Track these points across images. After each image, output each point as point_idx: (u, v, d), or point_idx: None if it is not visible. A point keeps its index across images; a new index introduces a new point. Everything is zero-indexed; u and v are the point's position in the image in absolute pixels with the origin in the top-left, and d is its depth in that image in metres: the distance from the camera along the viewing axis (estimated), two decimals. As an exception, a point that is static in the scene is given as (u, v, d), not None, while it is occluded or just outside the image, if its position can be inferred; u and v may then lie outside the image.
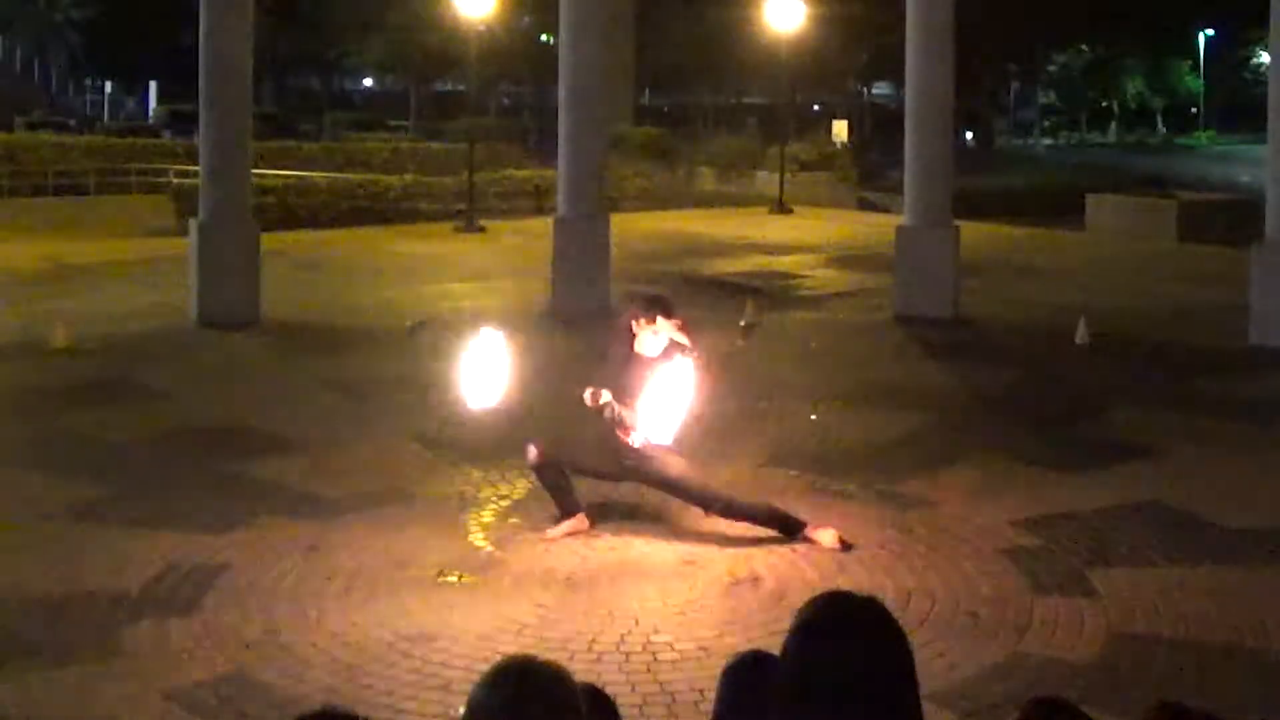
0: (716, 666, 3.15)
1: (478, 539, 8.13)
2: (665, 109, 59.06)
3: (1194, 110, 77.67)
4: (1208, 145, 69.12)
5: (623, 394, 7.76)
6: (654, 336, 7.84)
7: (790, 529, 7.91)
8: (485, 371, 7.93)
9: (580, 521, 8.06)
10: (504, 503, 8.82)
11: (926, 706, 2.60)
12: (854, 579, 7.32)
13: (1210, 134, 73.71)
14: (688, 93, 55.13)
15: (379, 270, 20.46)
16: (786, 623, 2.59)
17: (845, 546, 7.80)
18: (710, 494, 7.96)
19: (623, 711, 3.10)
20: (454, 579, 7.47)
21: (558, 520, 8.08)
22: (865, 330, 15.39)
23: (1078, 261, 21.41)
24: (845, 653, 2.50)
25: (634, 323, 7.92)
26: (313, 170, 31.94)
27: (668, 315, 7.88)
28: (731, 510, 7.94)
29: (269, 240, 17.18)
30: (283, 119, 45.65)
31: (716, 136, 41.56)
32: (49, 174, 29.92)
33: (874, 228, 23.86)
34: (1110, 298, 17.27)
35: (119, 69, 63.13)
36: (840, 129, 45.77)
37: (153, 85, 63.99)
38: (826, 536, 7.84)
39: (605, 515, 8.23)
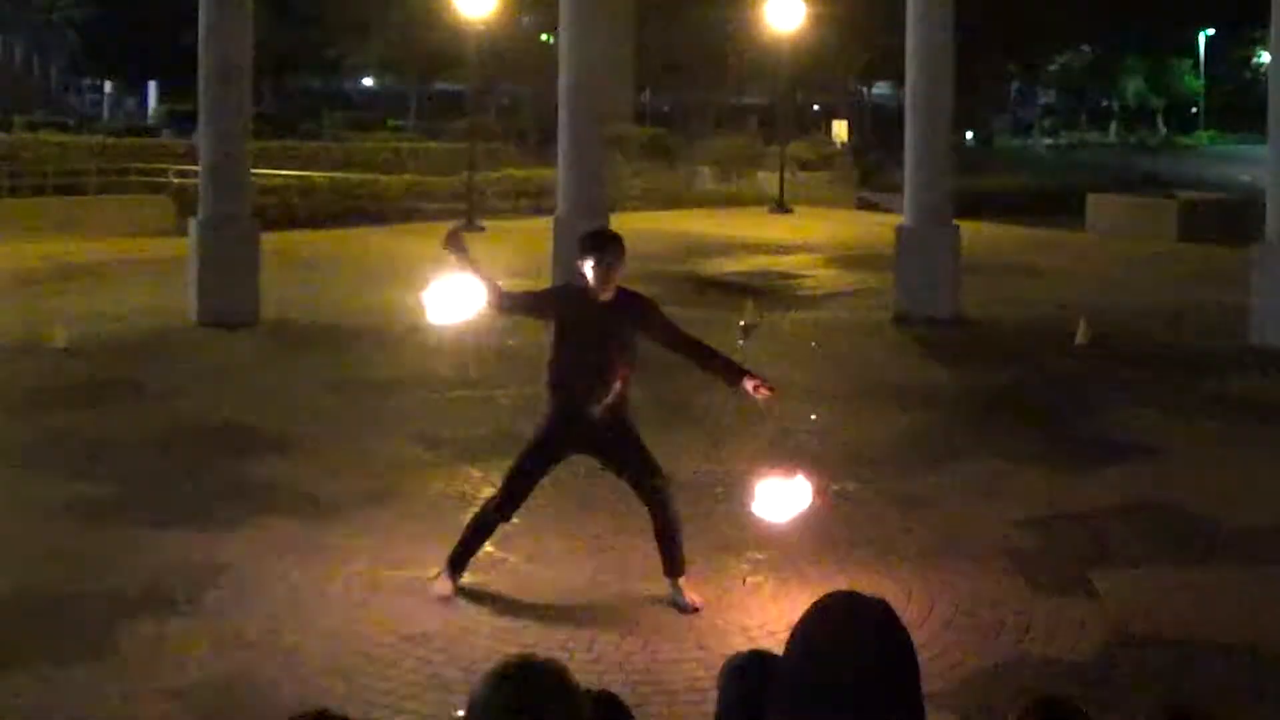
0: (716, 666, 3.15)
1: (478, 539, 8.12)
2: (665, 109, 58.96)
3: (1194, 110, 77.66)
4: (1208, 145, 69.10)
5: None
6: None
7: (673, 569, 7.02)
8: None
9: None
10: (504, 503, 8.81)
11: (927, 706, 2.59)
12: (855, 579, 7.32)
13: (1210, 134, 73.70)
14: (688, 93, 55.02)
15: (379, 270, 20.45)
16: (786, 622, 2.59)
17: (686, 607, 6.95)
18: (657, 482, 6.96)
19: (623, 711, 3.10)
20: (454, 579, 7.46)
21: None
22: (865, 330, 15.39)
23: (1078, 261, 21.40)
24: (850, 653, 2.50)
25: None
26: (313, 170, 31.90)
27: (583, 254, 6.82)
28: (664, 507, 6.95)
29: (269, 240, 17.17)
30: (283, 119, 45.55)
31: (716, 136, 41.51)
32: (49, 174, 29.83)
33: (874, 228, 23.84)
34: (1110, 298, 17.26)
35: (119, 69, 63.05)
36: (840, 129, 45.75)
37: (153, 85, 63.91)
38: (680, 595, 7.00)
39: (604, 514, 8.22)
